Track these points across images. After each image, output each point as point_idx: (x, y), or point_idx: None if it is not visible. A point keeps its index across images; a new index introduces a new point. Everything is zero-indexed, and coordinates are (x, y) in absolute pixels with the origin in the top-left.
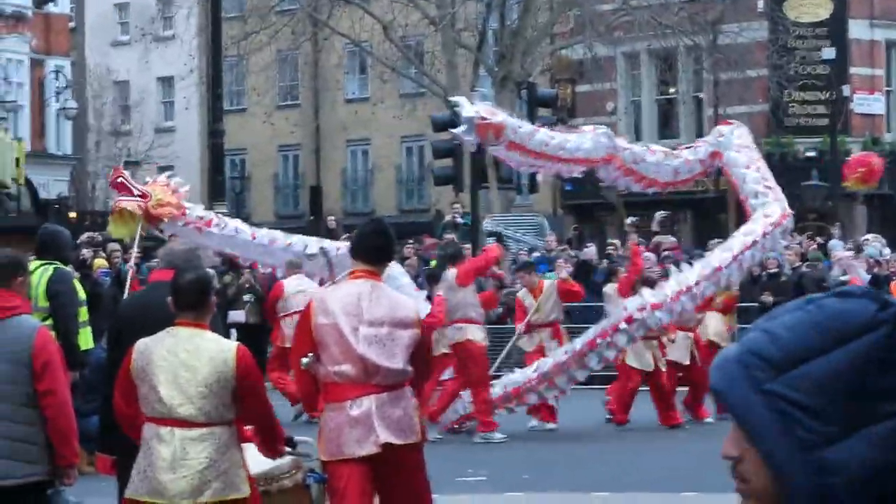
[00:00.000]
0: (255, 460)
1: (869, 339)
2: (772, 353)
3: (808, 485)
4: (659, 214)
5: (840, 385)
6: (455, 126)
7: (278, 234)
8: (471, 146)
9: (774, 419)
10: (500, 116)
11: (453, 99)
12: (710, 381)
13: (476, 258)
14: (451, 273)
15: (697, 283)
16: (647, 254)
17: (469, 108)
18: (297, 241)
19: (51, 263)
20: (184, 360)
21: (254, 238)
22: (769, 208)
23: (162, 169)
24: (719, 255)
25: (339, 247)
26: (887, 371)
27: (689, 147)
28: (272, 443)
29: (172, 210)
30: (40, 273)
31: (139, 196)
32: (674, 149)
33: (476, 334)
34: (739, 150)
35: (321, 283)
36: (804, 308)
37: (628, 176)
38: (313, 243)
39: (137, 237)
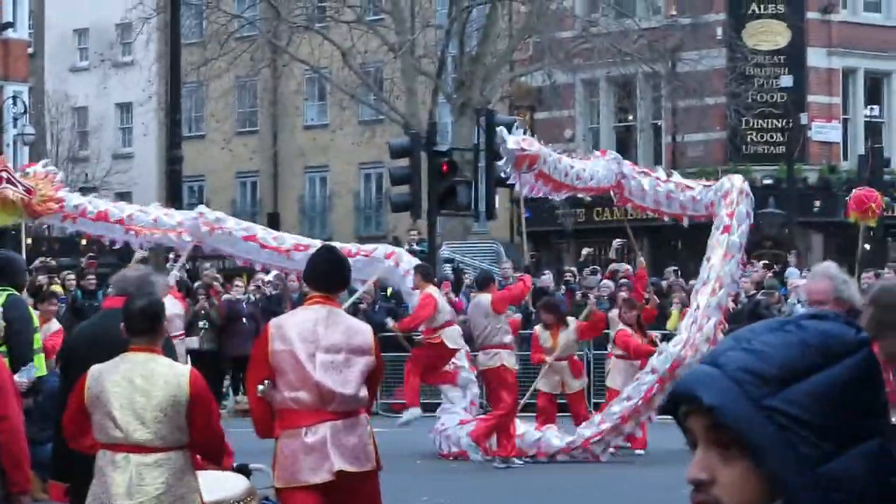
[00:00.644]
0: (209, 488)
1: (854, 359)
2: (766, 370)
3: (811, 500)
4: (616, 242)
5: (833, 402)
6: (413, 153)
7: (133, 208)
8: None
9: (778, 435)
10: (535, 146)
11: (498, 130)
12: (705, 399)
13: (514, 286)
14: (484, 298)
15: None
16: (605, 281)
17: (511, 141)
18: (165, 217)
19: (4, 290)
20: (139, 386)
21: (121, 222)
22: (674, 342)
23: (119, 196)
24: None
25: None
26: (867, 389)
27: (706, 185)
28: (217, 460)
29: (53, 205)
30: None
31: (25, 191)
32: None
33: (509, 360)
34: (718, 228)
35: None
36: (783, 329)
37: (630, 203)
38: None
39: (24, 230)
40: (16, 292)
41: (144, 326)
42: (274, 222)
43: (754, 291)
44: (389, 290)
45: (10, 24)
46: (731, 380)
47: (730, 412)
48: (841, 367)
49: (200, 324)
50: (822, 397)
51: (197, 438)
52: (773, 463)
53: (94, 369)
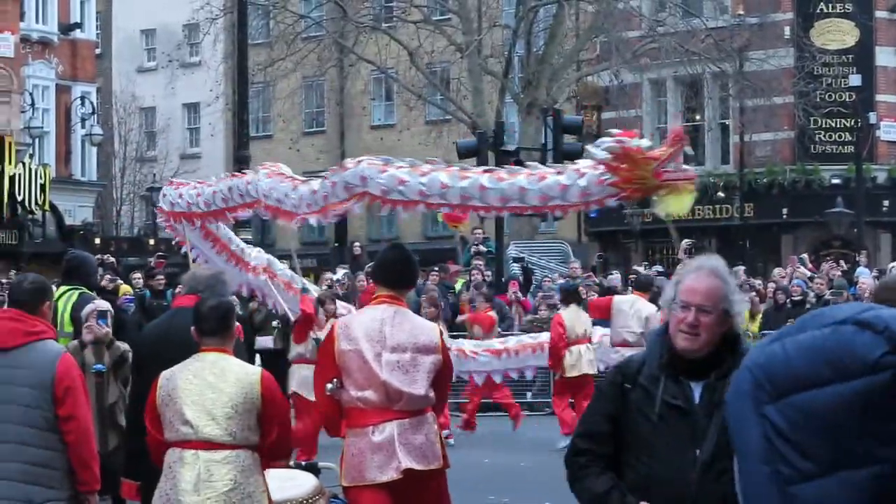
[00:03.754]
0: (279, 486)
1: (870, 381)
2: (778, 374)
3: None
4: (685, 242)
5: (831, 421)
6: (480, 152)
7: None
8: None
9: (760, 444)
10: None
11: None
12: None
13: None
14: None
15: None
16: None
17: None
18: None
19: (76, 289)
20: (210, 382)
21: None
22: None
23: None
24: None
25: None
26: (882, 416)
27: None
28: (285, 461)
29: None
30: (66, 299)
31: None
32: None
33: None
34: None
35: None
36: (822, 329)
37: None
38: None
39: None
40: (88, 291)
41: (215, 326)
42: (341, 223)
43: (825, 291)
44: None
45: (78, 25)
46: (752, 376)
47: (731, 408)
48: (845, 388)
49: (274, 323)
50: (816, 413)
51: (268, 440)
52: (748, 467)
53: (167, 371)
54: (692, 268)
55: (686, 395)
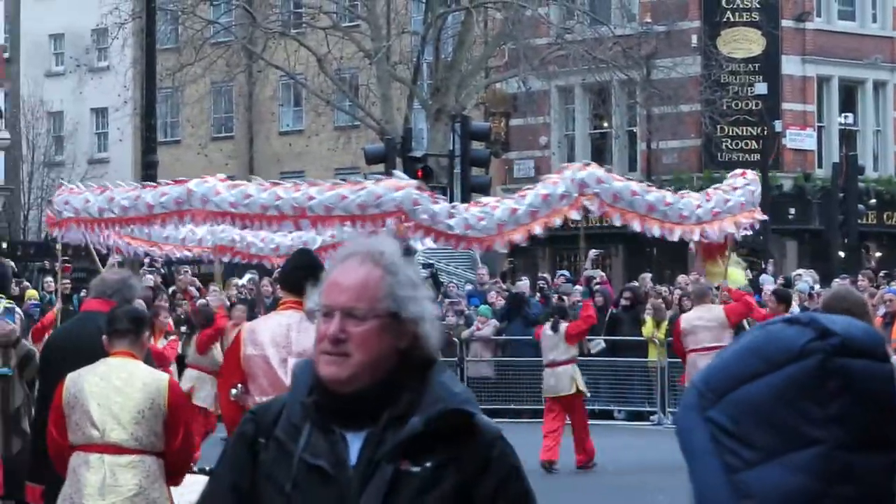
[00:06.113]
0: (179, 492)
1: (800, 367)
2: (717, 379)
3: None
4: (592, 252)
5: (767, 410)
6: (388, 158)
7: None
8: None
9: (709, 444)
10: None
11: None
12: (677, 421)
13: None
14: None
15: None
16: (577, 287)
17: None
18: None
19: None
20: (117, 386)
21: None
22: None
23: None
24: None
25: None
26: (815, 400)
27: None
28: (179, 476)
29: None
30: None
31: None
32: None
33: None
34: None
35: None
36: (753, 332)
37: None
38: None
39: None
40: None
41: (126, 329)
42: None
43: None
44: None
45: None
46: (695, 389)
47: (679, 422)
48: (776, 377)
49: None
50: (753, 405)
51: (173, 446)
52: (697, 467)
53: (73, 374)
54: (340, 256)
55: (337, 453)
